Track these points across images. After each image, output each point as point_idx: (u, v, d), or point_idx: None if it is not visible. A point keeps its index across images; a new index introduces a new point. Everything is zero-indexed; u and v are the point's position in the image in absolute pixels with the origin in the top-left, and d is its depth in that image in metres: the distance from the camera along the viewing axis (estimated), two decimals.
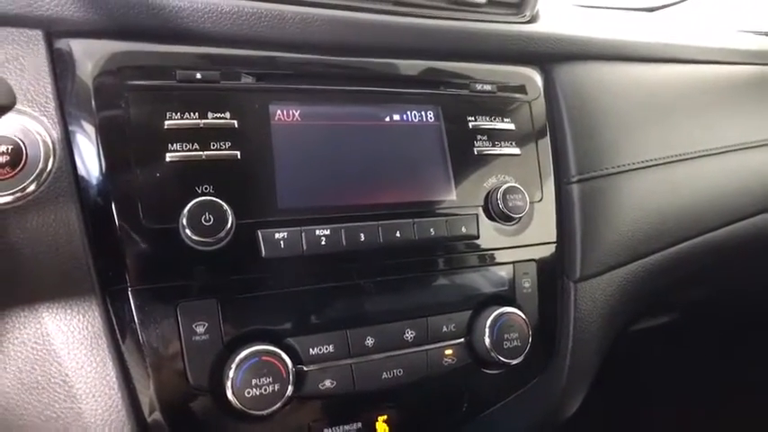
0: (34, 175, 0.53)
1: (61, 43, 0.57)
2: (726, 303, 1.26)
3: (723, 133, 0.92)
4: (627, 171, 0.81)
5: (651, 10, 1.25)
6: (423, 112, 0.70)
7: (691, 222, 0.86)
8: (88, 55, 0.57)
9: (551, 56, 0.80)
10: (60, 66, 0.56)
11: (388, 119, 0.68)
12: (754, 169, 0.95)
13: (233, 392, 0.54)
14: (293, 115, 0.63)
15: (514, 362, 0.67)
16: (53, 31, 0.56)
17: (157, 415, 0.56)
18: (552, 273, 0.76)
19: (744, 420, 1.35)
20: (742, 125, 0.96)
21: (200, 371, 0.56)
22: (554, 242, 0.76)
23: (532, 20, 0.79)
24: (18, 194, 0.52)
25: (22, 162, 0.52)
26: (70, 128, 0.56)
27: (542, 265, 0.74)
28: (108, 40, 0.58)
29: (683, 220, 0.85)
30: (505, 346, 0.66)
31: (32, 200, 0.53)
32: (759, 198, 0.94)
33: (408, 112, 0.69)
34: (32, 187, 0.52)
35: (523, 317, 0.69)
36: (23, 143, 0.53)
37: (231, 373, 0.55)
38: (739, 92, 0.99)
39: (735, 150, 0.92)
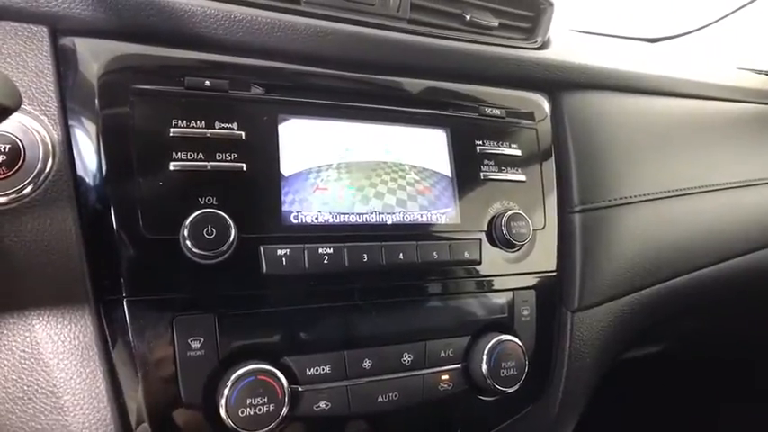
0: (32, 176, 0.51)
1: (66, 41, 0.55)
2: (715, 337, 1.28)
3: (722, 170, 0.94)
4: (629, 203, 0.82)
5: (653, 41, 1.27)
6: (431, 133, 0.70)
7: (687, 257, 0.87)
8: (94, 55, 0.55)
9: (560, 83, 0.80)
10: (64, 65, 0.55)
11: (395, 137, 0.68)
12: (751, 207, 0.96)
13: (226, 411, 0.53)
14: (301, 129, 0.62)
15: (510, 390, 0.67)
16: (59, 28, 0.55)
17: (146, 430, 0.54)
18: (551, 302, 0.76)
19: None
20: (741, 163, 0.98)
21: (193, 387, 0.54)
22: (554, 271, 0.76)
23: (543, 46, 0.79)
24: (13, 196, 0.50)
25: (20, 162, 0.51)
26: (72, 130, 0.54)
27: (541, 293, 0.74)
28: (115, 41, 0.56)
29: (680, 255, 0.86)
30: (502, 374, 0.66)
31: (28, 202, 0.51)
32: (754, 236, 0.96)
33: (416, 132, 0.69)
34: (29, 189, 0.51)
35: (521, 345, 0.68)
36: (22, 143, 0.51)
37: (226, 391, 0.53)
38: (739, 129, 1.01)
39: (733, 188, 0.94)
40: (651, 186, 0.84)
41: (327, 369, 0.59)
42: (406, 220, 0.65)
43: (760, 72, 1.15)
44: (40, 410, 0.52)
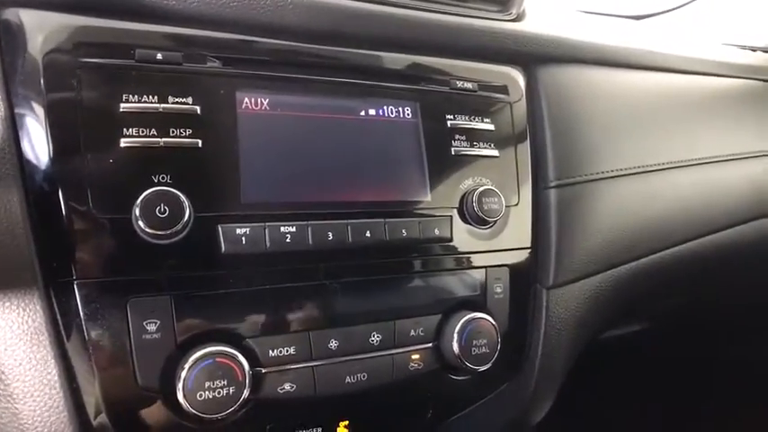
0: None
1: (9, 14, 0.52)
2: (695, 314, 1.28)
3: (703, 145, 0.92)
4: (605, 179, 0.80)
5: (638, 18, 1.25)
6: (400, 108, 0.67)
7: (665, 233, 0.86)
8: (39, 28, 0.52)
9: (535, 56, 0.78)
10: (7, 38, 0.52)
11: (362, 113, 0.65)
12: (733, 182, 0.95)
13: (184, 395, 0.51)
14: (261, 104, 0.60)
15: (482, 368, 0.65)
16: None
17: (103, 418, 0.52)
18: (525, 279, 0.74)
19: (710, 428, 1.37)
20: (722, 137, 0.96)
21: (149, 372, 0.52)
22: (528, 248, 0.74)
23: (518, 18, 0.77)
24: None
25: None
26: (16, 106, 0.51)
27: (515, 270, 0.72)
28: (62, 13, 0.53)
29: (658, 231, 0.85)
30: (474, 353, 0.64)
31: None
32: (732, 212, 0.94)
33: (384, 107, 0.67)
34: None
35: (493, 323, 0.67)
36: None
37: (183, 375, 0.51)
38: (719, 104, 0.99)
39: (711, 163, 0.92)
40: (630, 161, 0.82)
41: (292, 350, 0.58)
42: (374, 197, 0.63)
43: (744, 47, 1.13)
44: None
